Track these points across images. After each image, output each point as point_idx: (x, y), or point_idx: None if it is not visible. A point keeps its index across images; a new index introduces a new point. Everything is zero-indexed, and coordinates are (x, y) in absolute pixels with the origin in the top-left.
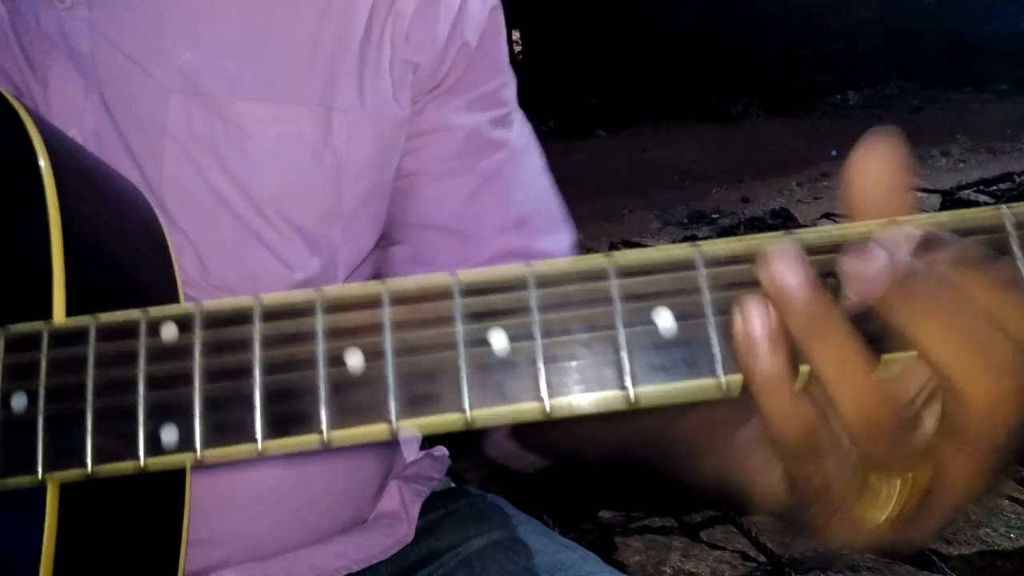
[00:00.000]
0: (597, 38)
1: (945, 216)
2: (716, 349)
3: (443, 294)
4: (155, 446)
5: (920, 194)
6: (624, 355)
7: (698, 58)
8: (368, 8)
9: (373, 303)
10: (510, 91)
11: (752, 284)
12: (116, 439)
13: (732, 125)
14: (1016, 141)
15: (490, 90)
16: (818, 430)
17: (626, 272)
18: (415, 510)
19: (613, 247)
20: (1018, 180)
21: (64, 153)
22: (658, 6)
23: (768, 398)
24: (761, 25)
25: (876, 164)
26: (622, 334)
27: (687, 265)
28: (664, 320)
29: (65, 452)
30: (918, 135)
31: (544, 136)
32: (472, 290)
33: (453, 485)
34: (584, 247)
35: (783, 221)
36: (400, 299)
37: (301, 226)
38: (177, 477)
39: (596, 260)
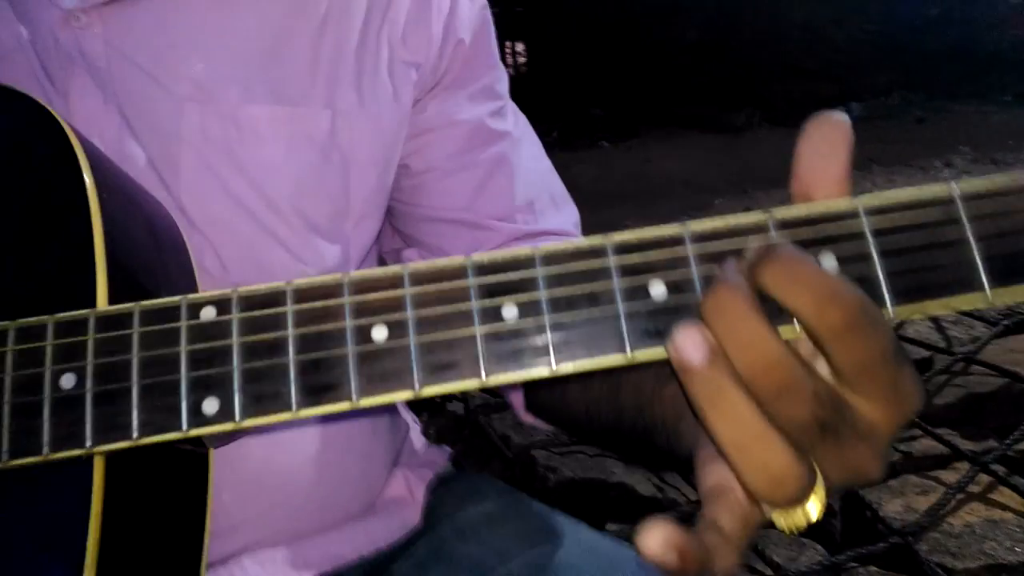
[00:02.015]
0: (600, 49)
1: (902, 192)
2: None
3: (458, 273)
4: (197, 417)
5: None
6: (622, 322)
7: (701, 69)
8: (362, 17)
9: (395, 283)
10: (503, 85)
11: (733, 253)
12: (161, 412)
13: (735, 136)
14: (1019, 152)
15: (487, 84)
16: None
17: (622, 249)
18: (420, 495)
19: None
20: None
21: (100, 164)
22: (661, 17)
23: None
24: (764, 36)
25: (822, 144)
26: (620, 304)
27: (677, 241)
28: (657, 290)
29: (112, 425)
30: (921, 146)
31: (547, 147)
32: (484, 269)
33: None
34: None
35: None
36: (419, 279)
37: (315, 223)
38: (201, 463)
39: (595, 239)
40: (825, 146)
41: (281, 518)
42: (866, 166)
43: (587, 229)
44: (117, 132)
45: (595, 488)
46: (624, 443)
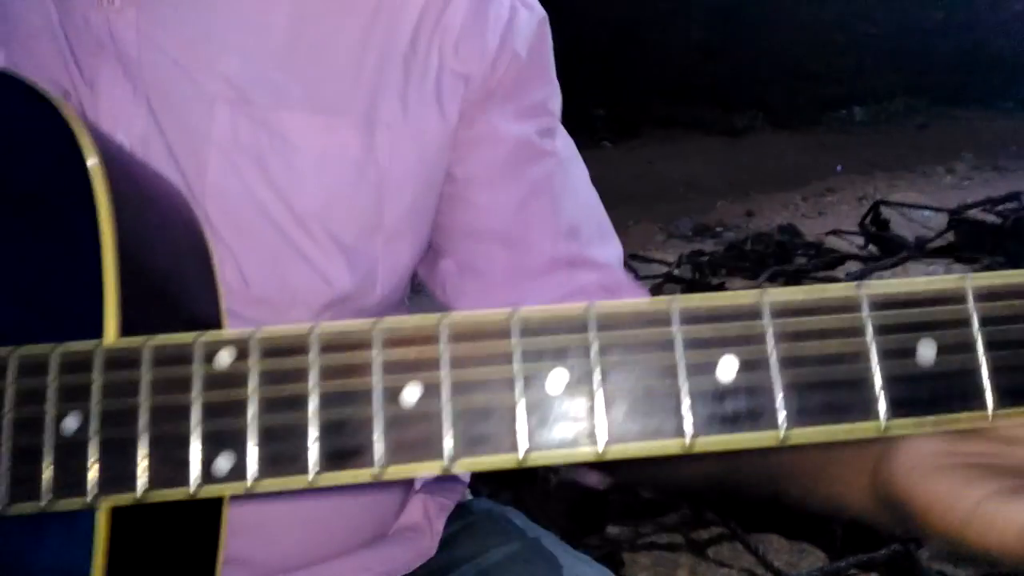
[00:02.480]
0: (603, 49)
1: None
2: (779, 401)
3: (501, 332)
4: (208, 475)
5: (926, 212)
6: (685, 404)
7: (704, 71)
8: (415, 20)
9: (431, 338)
10: (556, 103)
11: (817, 336)
12: (169, 466)
13: (737, 138)
14: (1021, 159)
15: (538, 100)
16: None
17: (690, 319)
18: (439, 524)
19: None
20: None
21: (114, 160)
22: (664, 18)
23: None
24: (768, 39)
25: None
26: (683, 382)
27: (753, 314)
28: (727, 370)
29: (117, 476)
30: (923, 152)
31: None
32: (531, 329)
33: (470, 497)
34: None
35: (790, 237)
36: (458, 335)
37: (342, 240)
38: (215, 502)
39: (659, 304)
40: None
41: (290, 547)
42: (868, 171)
43: None
44: (144, 128)
45: (596, 490)
46: (735, 502)
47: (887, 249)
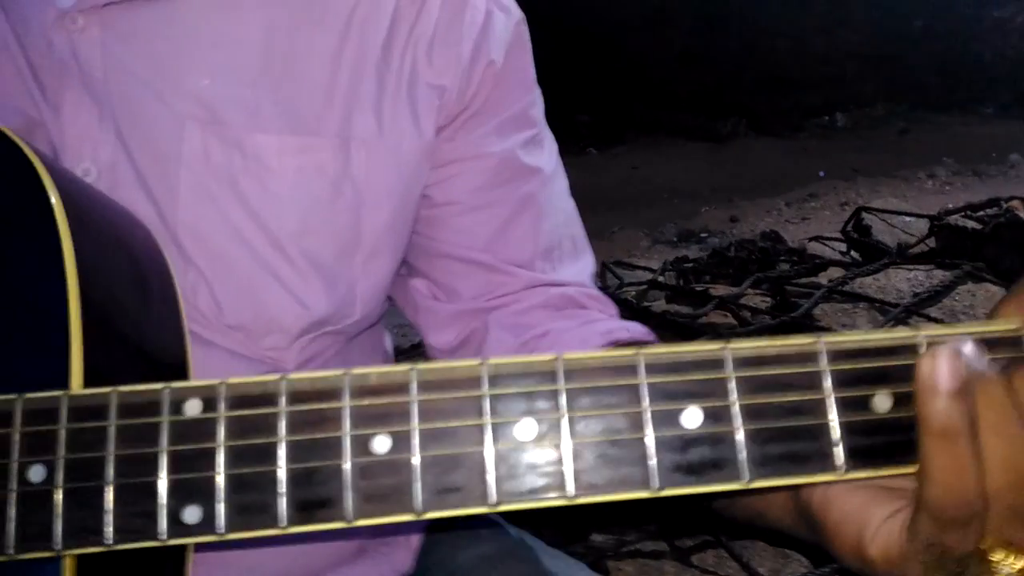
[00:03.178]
0: (587, 56)
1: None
2: (743, 452)
3: (471, 382)
4: (177, 525)
5: (907, 218)
6: (651, 455)
7: (688, 77)
8: (386, 29)
9: (400, 388)
10: (539, 109)
11: (782, 388)
12: (137, 517)
13: (721, 144)
14: (1001, 164)
15: (519, 110)
16: (974, 493)
17: (655, 369)
18: (415, 539)
19: (604, 267)
20: (1004, 206)
21: (77, 201)
22: (648, 25)
23: (940, 451)
24: (750, 46)
25: None
26: (649, 433)
27: (716, 364)
28: (692, 420)
29: (84, 528)
30: (904, 157)
31: None
32: (500, 379)
33: None
34: None
35: (773, 243)
36: (428, 385)
37: (320, 261)
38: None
39: (627, 355)
40: None
41: (267, 565)
42: (850, 176)
43: None
44: (112, 154)
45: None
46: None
47: (869, 255)
